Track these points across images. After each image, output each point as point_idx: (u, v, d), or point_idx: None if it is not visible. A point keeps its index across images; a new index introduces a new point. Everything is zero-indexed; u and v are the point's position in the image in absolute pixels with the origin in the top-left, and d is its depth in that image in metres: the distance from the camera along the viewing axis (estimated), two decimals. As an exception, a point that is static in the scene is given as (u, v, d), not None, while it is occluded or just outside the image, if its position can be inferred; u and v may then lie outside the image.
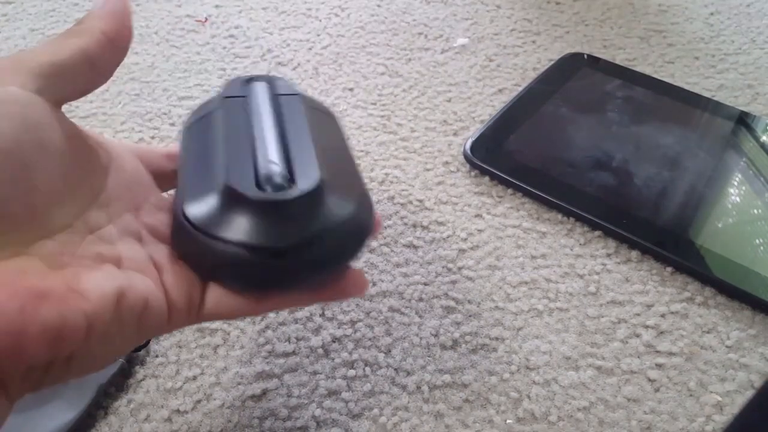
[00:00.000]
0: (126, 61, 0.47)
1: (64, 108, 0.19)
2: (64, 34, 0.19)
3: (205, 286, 0.20)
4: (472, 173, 0.37)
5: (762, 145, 0.38)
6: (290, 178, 0.20)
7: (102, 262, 0.18)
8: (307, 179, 0.20)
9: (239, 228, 0.19)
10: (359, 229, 0.21)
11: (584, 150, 0.38)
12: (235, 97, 0.24)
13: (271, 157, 0.20)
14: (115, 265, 0.18)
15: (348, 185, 0.22)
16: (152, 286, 0.18)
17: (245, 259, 0.19)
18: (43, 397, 0.26)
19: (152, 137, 0.40)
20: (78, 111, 0.41)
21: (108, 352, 0.17)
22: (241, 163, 0.20)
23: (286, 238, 0.19)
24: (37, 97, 0.17)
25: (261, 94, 0.24)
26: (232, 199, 0.19)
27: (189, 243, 0.20)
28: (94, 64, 0.19)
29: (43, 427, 0.26)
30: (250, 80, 0.26)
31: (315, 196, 0.20)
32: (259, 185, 0.19)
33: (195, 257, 0.20)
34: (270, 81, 0.26)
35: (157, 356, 0.29)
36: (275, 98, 0.24)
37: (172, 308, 0.19)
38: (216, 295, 0.20)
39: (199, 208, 0.20)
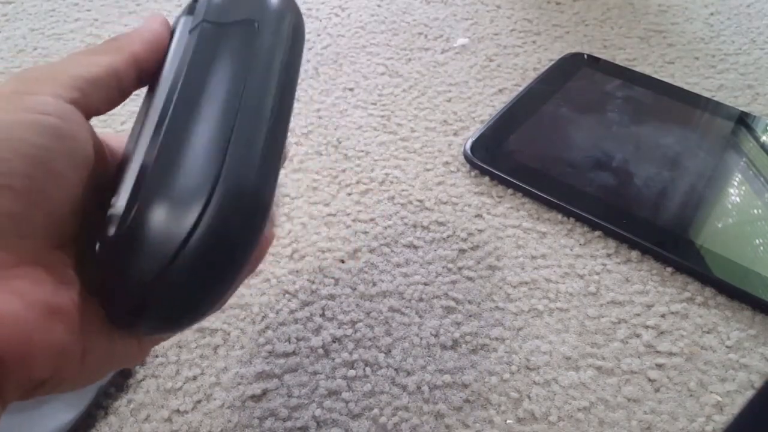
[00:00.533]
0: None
1: None
2: (97, 50, 0.19)
3: None
4: (472, 173, 0.37)
5: (762, 146, 0.38)
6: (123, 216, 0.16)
7: None
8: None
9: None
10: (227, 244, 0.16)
11: (584, 150, 0.38)
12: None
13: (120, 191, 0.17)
14: None
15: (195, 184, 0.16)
16: None
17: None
18: (44, 397, 0.26)
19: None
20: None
21: (104, 370, 0.18)
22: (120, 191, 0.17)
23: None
24: (70, 107, 0.17)
25: (177, 43, 0.21)
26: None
27: None
28: (121, 83, 0.19)
29: (43, 428, 0.25)
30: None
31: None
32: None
33: None
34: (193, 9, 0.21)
35: (157, 356, 0.29)
36: (187, 49, 0.20)
37: None
38: None
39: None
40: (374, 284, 0.32)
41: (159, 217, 0.15)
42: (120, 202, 0.16)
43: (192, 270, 0.15)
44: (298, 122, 0.41)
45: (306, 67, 0.46)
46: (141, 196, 0.15)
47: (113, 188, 0.17)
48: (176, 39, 0.21)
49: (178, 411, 0.27)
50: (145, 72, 0.20)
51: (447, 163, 0.38)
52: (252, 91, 0.18)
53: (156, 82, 0.20)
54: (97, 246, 0.16)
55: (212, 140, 0.16)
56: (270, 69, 0.19)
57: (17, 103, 0.16)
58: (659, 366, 0.28)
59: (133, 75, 0.20)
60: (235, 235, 0.16)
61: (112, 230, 0.16)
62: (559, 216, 0.35)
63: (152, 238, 0.15)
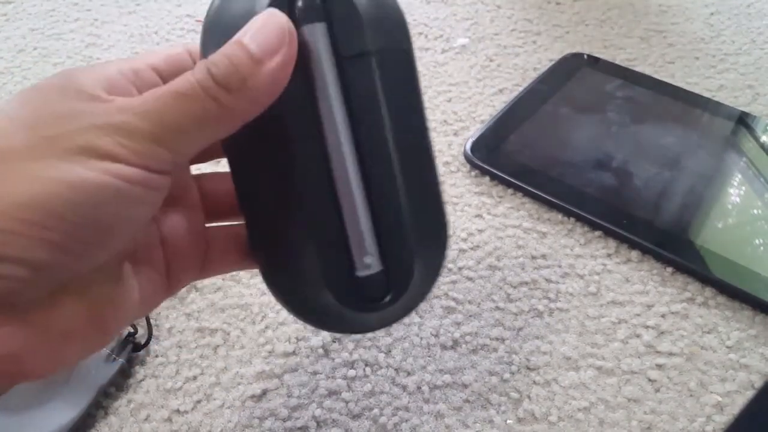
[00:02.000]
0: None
1: None
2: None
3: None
4: (473, 173, 0.37)
5: (762, 146, 0.38)
6: (386, 282, 0.19)
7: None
8: (402, 285, 0.20)
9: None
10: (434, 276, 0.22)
11: (584, 150, 0.38)
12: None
13: (367, 249, 0.19)
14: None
15: (428, 235, 0.21)
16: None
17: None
18: (43, 397, 0.26)
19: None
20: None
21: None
22: (333, 246, 0.19)
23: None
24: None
25: (325, 71, 0.18)
26: (332, 304, 0.19)
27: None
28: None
29: (43, 428, 0.25)
30: (295, 5, 0.18)
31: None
32: (357, 293, 0.19)
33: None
34: (324, 16, 0.18)
35: (157, 356, 0.29)
36: (342, 71, 0.18)
37: None
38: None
39: (293, 292, 0.20)
40: (374, 284, 0.32)
41: (421, 272, 0.20)
42: (365, 248, 0.19)
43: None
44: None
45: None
46: (397, 250, 0.19)
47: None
48: (322, 57, 0.18)
49: (178, 411, 0.27)
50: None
51: (447, 163, 0.38)
52: (428, 133, 0.21)
53: (315, 105, 0.18)
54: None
55: (436, 195, 0.21)
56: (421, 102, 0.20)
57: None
58: (659, 366, 0.28)
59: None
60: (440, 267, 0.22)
61: (364, 271, 0.19)
62: (560, 216, 0.35)
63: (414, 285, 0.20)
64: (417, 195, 0.20)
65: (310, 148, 0.18)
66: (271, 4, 0.17)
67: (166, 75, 0.18)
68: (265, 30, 0.16)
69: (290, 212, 0.19)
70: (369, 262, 0.19)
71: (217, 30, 0.18)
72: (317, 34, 0.18)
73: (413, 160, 0.20)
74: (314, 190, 0.18)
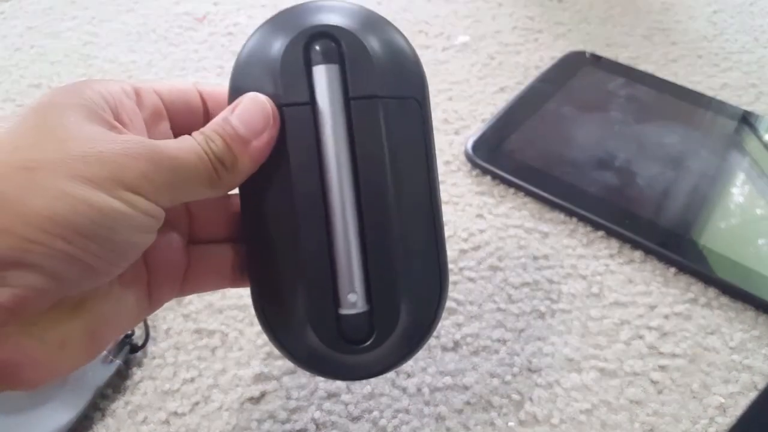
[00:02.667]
0: (123, 59, 0.47)
1: None
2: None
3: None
4: (474, 172, 0.37)
5: (765, 145, 0.38)
6: (370, 324, 0.19)
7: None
8: (387, 328, 0.19)
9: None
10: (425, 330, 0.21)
11: (587, 149, 0.37)
12: (299, 104, 0.19)
13: (352, 286, 0.19)
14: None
15: (421, 284, 0.20)
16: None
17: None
18: (40, 399, 0.26)
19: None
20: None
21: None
22: (321, 285, 0.19)
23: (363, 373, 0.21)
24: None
25: (332, 109, 0.19)
26: (315, 346, 0.20)
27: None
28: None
29: (40, 429, 0.25)
30: (312, 48, 0.19)
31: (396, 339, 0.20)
32: (341, 333, 0.19)
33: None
34: (337, 59, 0.19)
35: (154, 358, 0.29)
36: (348, 111, 0.19)
37: None
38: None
39: (284, 329, 0.20)
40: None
41: (408, 321, 0.20)
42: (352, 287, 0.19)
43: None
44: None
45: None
46: (385, 295, 0.19)
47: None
48: (329, 96, 0.19)
49: (175, 413, 0.27)
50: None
51: (448, 162, 0.38)
52: (434, 183, 0.21)
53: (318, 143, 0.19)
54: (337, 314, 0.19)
55: (434, 246, 0.21)
56: (433, 155, 0.21)
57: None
58: (662, 368, 0.28)
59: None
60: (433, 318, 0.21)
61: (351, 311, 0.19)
62: (562, 216, 0.35)
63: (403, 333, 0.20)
64: (414, 244, 0.20)
65: (309, 184, 0.19)
66: (288, 47, 0.19)
67: (167, 101, 0.20)
68: (250, 112, 0.18)
69: (284, 247, 0.19)
70: (353, 300, 0.19)
71: (247, 77, 0.20)
72: (328, 75, 0.19)
73: (413, 203, 0.20)
74: (309, 226, 0.19)
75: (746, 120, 0.39)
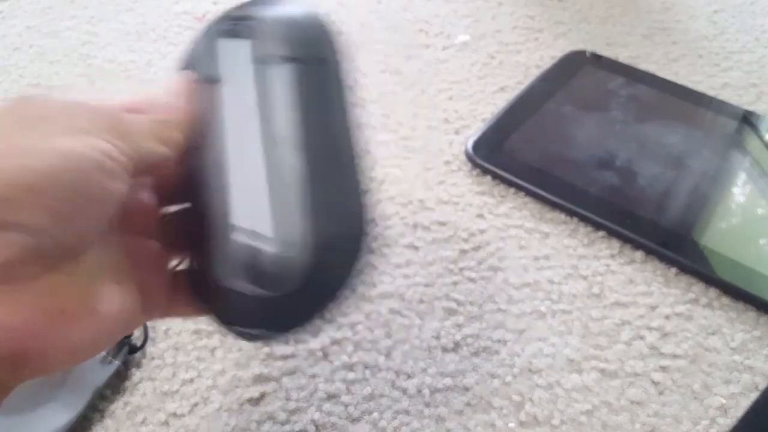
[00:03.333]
0: (122, 58, 0.47)
1: None
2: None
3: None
4: (474, 172, 0.37)
5: (766, 145, 0.38)
6: (274, 253, 0.19)
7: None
8: (297, 256, 0.19)
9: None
10: (351, 261, 0.20)
11: (587, 149, 0.37)
12: (208, 78, 0.22)
13: (252, 226, 0.19)
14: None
15: (339, 212, 0.20)
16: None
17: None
18: (39, 399, 0.26)
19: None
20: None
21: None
22: (221, 230, 0.20)
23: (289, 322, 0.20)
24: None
25: (240, 70, 0.21)
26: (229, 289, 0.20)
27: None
28: None
29: (39, 430, 0.25)
30: (225, 27, 0.23)
31: (308, 284, 0.19)
32: (246, 273, 0.19)
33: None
34: (252, 28, 0.22)
35: (153, 359, 0.29)
36: (258, 73, 0.21)
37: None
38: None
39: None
40: (374, 285, 0.31)
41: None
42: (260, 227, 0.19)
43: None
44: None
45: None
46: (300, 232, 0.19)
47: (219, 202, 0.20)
48: (238, 63, 0.21)
49: (174, 414, 0.27)
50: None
51: (448, 162, 0.38)
52: (353, 133, 0.22)
53: (230, 100, 0.21)
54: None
55: (356, 192, 0.21)
56: (350, 111, 0.22)
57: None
58: (663, 368, 0.28)
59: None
60: (358, 248, 0.21)
61: (267, 250, 0.19)
62: (562, 216, 0.34)
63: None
64: (328, 189, 0.20)
65: (216, 153, 0.21)
66: (205, 30, 0.23)
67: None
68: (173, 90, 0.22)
69: (203, 212, 0.21)
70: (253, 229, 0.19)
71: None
72: (234, 45, 0.21)
73: (323, 154, 0.21)
74: (215, 185, 0.20)
75: (747, 120, 0.39)
